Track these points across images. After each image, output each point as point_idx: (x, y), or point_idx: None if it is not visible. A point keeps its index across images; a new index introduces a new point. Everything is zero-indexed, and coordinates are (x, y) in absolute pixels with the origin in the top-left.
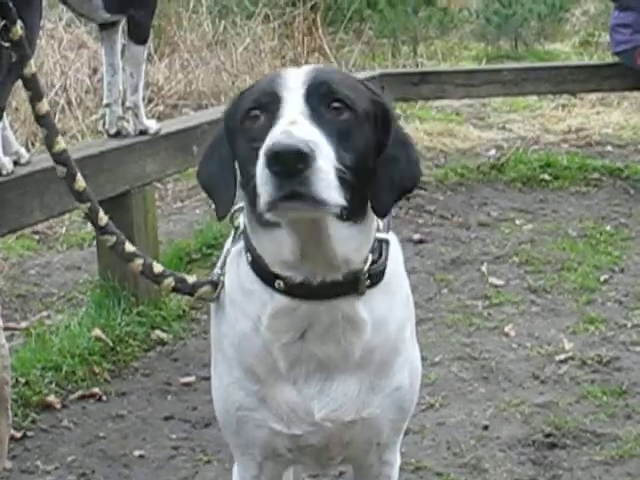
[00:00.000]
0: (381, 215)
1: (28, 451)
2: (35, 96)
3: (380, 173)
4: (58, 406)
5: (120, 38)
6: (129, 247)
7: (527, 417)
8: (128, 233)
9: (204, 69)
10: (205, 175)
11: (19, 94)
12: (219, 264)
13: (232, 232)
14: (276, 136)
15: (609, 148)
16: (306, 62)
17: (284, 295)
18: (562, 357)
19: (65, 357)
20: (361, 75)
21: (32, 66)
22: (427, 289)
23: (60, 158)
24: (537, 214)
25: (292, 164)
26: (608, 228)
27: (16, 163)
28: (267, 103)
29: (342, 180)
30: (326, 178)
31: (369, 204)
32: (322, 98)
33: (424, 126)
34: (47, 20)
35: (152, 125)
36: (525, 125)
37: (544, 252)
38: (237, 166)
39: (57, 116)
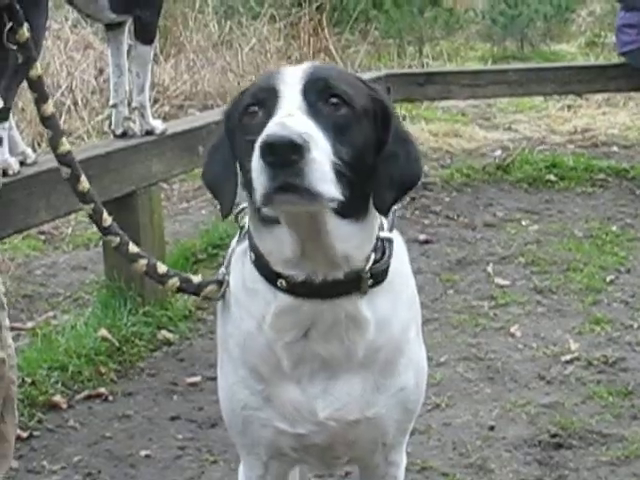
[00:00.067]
0: (383, 212)
1: (34, 451)
2: (41, 98)
3: (380, 170)
4: (64, 406)
5: (126, 38)
6: (133, 248)
7: (533, 417)
8: (134, 233)
9: (210, 69)
10: (208, 175)
11: (25, 95)
12: (225, 264)
13: (238, 232)
14: (271, 128)
15: (615, 149)
16: None
17: (287, 294)
18: (568, 358)
19: (71, 357)
20: (367, 75)
21: (38, 68)
22: (433, 289)
23: (64, 159)
24: (543, 215)
25: (285, 155)
26: (614, 229)
27: (22, 163)
28: (265, 99)
29: (339, 174)
30: (321, 170)
31: (371, 202)
32: (320, 93)
33: (430, 126)
34: (53, 21)
35: (158, 125)
36: (531, 126)
37: (550, 253)
38: (238, 164)
39: (63, 117)
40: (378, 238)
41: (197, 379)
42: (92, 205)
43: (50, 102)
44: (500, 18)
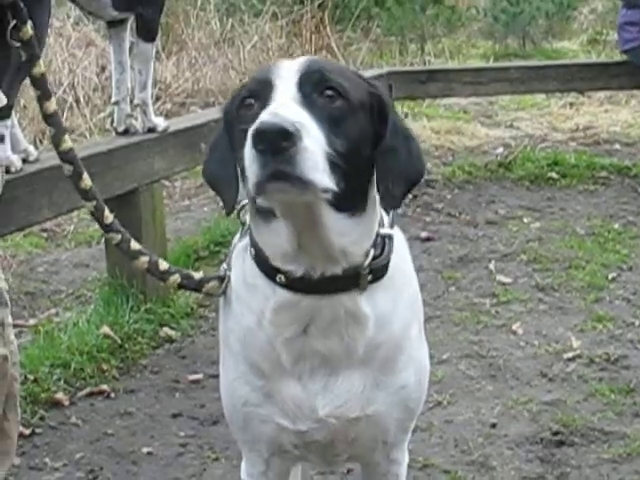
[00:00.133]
0: (395, 206)
1: (37, 448)
2: (43, 95)
3: (381, 165)
4: (66, 403)
5: (128, 36)
6: (134, 245)
7: (535, 415)
8: (136, 230)
9: (212, 67)
10: (209, 172)
11: (27, 92)
12: (226, 260)
13: (240, 229)
14: (263, 116)
15: (617, 146)
16: None
17: (286, 289)
18: (570, 355)
19: (73, 354)
20: (369, 73)
21: (41, 66)
22: (435, 287)
23: (67, 157)
24: (545, 212)
25: (276, 142)
26: (616, 226)
27: (25, 161)
28: (260, 91)
29: (333, 165)
30: (312, 159)
31: (369, 197)
32: (315, 86)
33: (431, 124)
34: (55, 18)
35: (160, 123)
36: (533, 123)
37: (552, 250)
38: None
39: (65, 114)
40: (378, 234)
41: (199, 376)
42: (94, 202)
43: (53, 100)
44: (502, 16)
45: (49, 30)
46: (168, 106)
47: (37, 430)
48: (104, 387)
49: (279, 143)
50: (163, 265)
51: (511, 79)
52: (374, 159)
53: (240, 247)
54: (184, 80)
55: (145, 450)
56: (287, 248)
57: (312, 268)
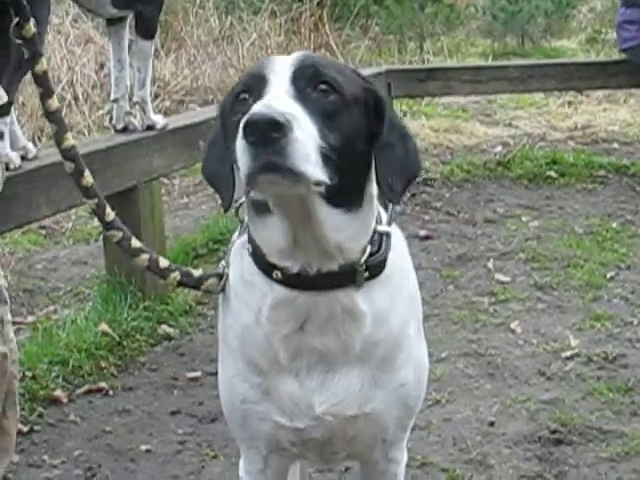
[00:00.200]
0: (394, 203)
1: (35, 445)
2: (46, 93)
3: (378, 161)
4: (65, 400)
5: (127, 33)
6: (135, 243)
7: (533, 413)
8: (135, 228)
9: (211, 64)
10: (207, 169)
11: (25, 89)
12: (225, 257)
13: (239, 225)
14: (254, 108)
15: (615, 145)
16: None
17: (282, 286)
18: (568, 354)
19: (72, 352)
20: (367, 71)
21: (44, 63)
22: (433, 285)
23: (69, 154)
24: (543, 211)
25: (267, 133)
26: (614, 225)
27: (24, 158)
28: (254, 85)
29: (326, 158)
30: (303, 150)
31: (365, 193)
32: (308, 80)
33: (430, 122)
34: (54, 15)
35: (159, 120)
36: (531, 122)
37: (550, 249)
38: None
39: (64, 111)
40: (375, 231)
41: (197, 374)
42: (95, 200)
43: (55, 97)
44: (501, 14)
45: (48, 27)
46: (167, 104)
47: (36, 427)
48: (102, 384)
49: (269, 134)
50: (163, 262)
51: (510, 78)
52: (370, 155)
53: (238, 244)
54: (183, 78)
55: (143, 447)
56: (282, 243)
57: (308, 264)
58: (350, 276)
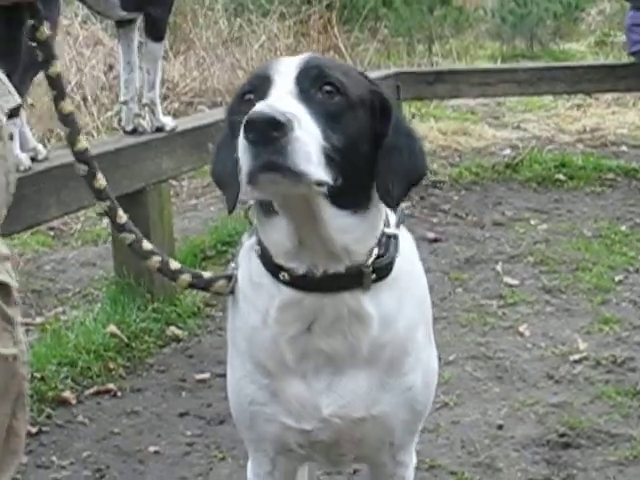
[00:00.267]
0: (391, 205)
1: (43, 446)
2: (59, 95)
3: (382, 163)
4: (73, 402)
5: (137, 35)
6: (147, 245)
7: (541, 417)
8: (144, 229)
9: (219, 66)
10: (215, 171)
11: (35, 91)
12: (235, 258)
13: (248, 227)
14: (256, 107)
15: (624, 148)
16: None
17: (289, 287)
18: (576, 357)
19: (80, 353)
20: (376, 74)
21: (57, 66)
22: (441, 288)
23: (82, 157)
24: (552, 214)
25: (267, 132)
26: (623, 228)
27: (33, 159)
28: (259, 86)
29: (329, 159)
30: (304, 150)
31: (373, 196)
32: (313, 81)
33: (439, 125)
34: (63, 17)
35: (168, 122)
36: (540, 125)
37: (559, 252)
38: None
39: None
40: (383, 234)
41: (206, 376)
42: (108, 202)
43: (68, 100)
44: (509, 17)
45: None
46: (175, 105)
47: (44, 428)
48: (111, 386)
49: (270, 133)
50: (174, 265)
51: (519, 80)
52: (376, 157)
53: (247, 246)
54: (192, 79)
55: (152, 449)
56: (288, 245)
57: (314, 266)
58: (357, 278)
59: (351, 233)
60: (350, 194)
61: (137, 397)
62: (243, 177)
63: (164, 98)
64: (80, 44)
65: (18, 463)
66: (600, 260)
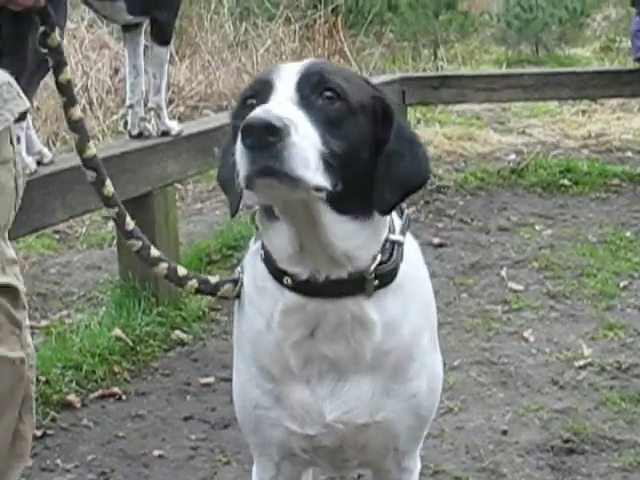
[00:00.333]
0: (384, 212)
1: (48, 449)
2: (69, 102)
3: (382, 169)
4: (78, 405)
5: (143, 39)
6: (154, 252)
7: (546, 422)
8: (149, 233)
9: (225, 70)
10: (220, 174)
11: (40, 94)
12: (241, 263)
13: (255, 231)
14: (254, 112)
15: (629, 154)
16: None
17: (292, 292)
18: (581, 363)
19: (85, 356)
20: (381, 78)
21: (68, 72)
22: (446, 293)
23: (90, 163)
24: (557, 219)
25: (263, 137)
26: (628, 234)
27: (39, 163)
28: (261, 91)
29: (328, 165)
30: (301, 155)
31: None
32: (314, 87)
33: (444, 130)
34: (69, 20)
35: (174, 126)
36: (545, 130)
37: (564, 257)
38: None
39: None
40: (387, 240)
41: (210, 380)
42: (116, 209)
43: (78, 106)
44: (515, 22)
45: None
46: (181, 109)
47: (49, 432)
48: (115, 389)
49: (266, 138)
50: (181, 271)
51: (524, 86)
52: (376, 163)
53: (252, 250)
54: (197, 83)
55: (156, 453)
56: (289, 250)
57: (317, 271)
58: (359, 284)
59: (352, 239)
60: (351, 200)
61: (142, 401)
62: (241, 181)
63: (170, 102)
64: (86, 47)
65: (24, 466)
66: (605, 266)
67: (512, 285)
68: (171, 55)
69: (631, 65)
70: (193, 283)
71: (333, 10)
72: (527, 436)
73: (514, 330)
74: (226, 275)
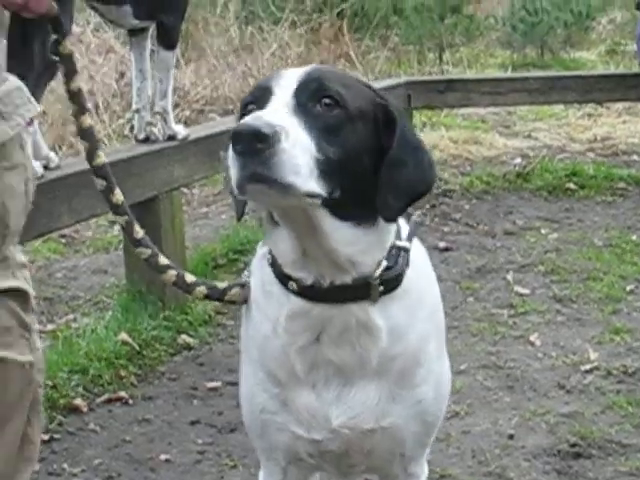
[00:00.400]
0: (388, 219)
1: (55, 454)
2: (80, 110)
3: (385, 176)
4: (85, 409)
5: (149, 44)
6: (163, 260)
7: (552, 427)
8: (156, 237)
9: (231, 74)
10: (226, 179)
11: (46, 98)
12: (249, 267)
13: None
14: (245, 119)
15: (635, 157)
16: None
17: (298, 297)
18: (587, 367)
19: (92, 360)
20: (387, 82)
21: (79, 81)
22: (453, 297)
23: (100, 171)
24: (563, 223)
25: (251, 143)
26: (634, 238)
27: (46, 167)
28: (260, 97)
29: (325, 172)
30: (291, 162)
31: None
32: (312, 94)
33: (450, 134)
34: (75, 24)
35: (180, 130)
36: (551, 134)
37: (570, 261)
38: None
39: None
40: (394, 246)
41: (217, 384)
42: (125, 217)
43: (88, 114)
44: (520, 25)
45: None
46: (187, 113)
47: (55, 436)
48: (122, 394)
49: (254, 144)
50: (190, 278)
51: (530, 89)
52: (379, 169)
53: (260, 254)
54: (203, 87)
55: (163, 457)
56: (293, 255)
57: (321, 276)
58: (364, 290)
59: (355, 245)
60: (352, 206)
61: (148, 405)
62: (234, 187)
63: (175, 106)
64: (92, 51)
65: (32, 470)
66: (611, 270)
67: (518, 289)
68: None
69: (636, 68)
70: (201, 289)
71: (339, 14)
72: (534, 440)
73: (520, 334)
74: (232, 279)
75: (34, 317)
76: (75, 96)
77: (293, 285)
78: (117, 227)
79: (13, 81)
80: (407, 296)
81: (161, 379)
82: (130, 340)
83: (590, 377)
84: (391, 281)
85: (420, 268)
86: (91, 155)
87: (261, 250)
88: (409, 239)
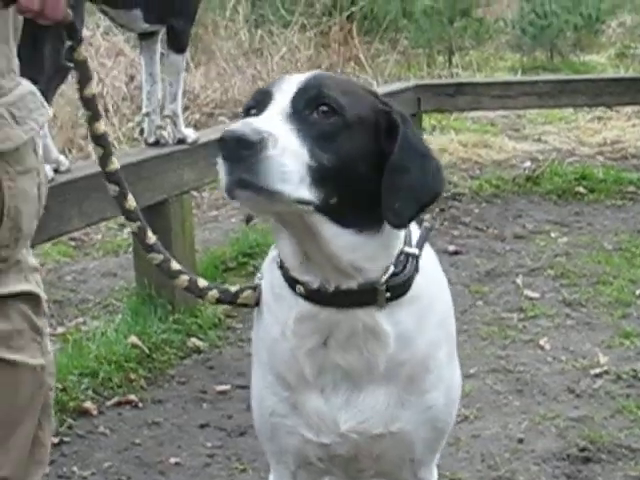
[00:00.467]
0: (395, 226)
1: (65, 457)
2: (94, 116)
3: (387, 182)
4: (94, 412)
5: (159, 47)
6: (175, 265)
7: (562, 431)
8: (165, 241)
9: (240, 77)
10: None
11: (57, 101)
12: (261, 269)
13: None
14: (230, 126)
15: None
16: (342, 71)
17: (306, 300)
18: (597, 371)
19: (101, 363)
20: (396, 86)
21: (93, 87)
22: (462, 301)
23: (113, 177)
24: (572, 227)
25: (235, 150)
26: None
27: (56, 171)
28: (261, 101)
29: (318, 179)
30: (279, 169)
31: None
32: (309, 101)
33: (459, 137)
34: (85, 28)
35: (190, 134)
36: (561, 137)
37: (579, 265)
38: None
39: None
40: (402, 252)
41: (226, 387)
42: (138, 223)
43: (102, 121)
44: (530, 28)
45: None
46: (196, 116)
47: (65, 439)
48: (132, 397)
49: (238, 151)
50: (202, 283)
51: (540, 93)
52: (380, 177)
53: (271, 257)
54: (212, 90)
55: (173, 460)
56: (295, 258)
57: (326, 281)
58: (371, 295)
59: (358, 251)
60: (353, 213)
61: (158, 408)
62: (223, 192)
63: (185, 109)
64: (102, 55)
65: (43, 473)
66: (621, 273)
67: (528, 293)
68: (186, 62)
69: None
70: (214, 293)
71: (348, 17)
72: (543, 444)
73: (530, 338)
74: (242, 283)
75: (45, 321)
76: (89, 102)
77: (300, 288)
78: (127, 230)
79: (26, 85)
80: (416, 302)
81: (171, 382)
82: (140, 343)
83: (600, 381)
84: (398, 287)
85: (430, 274)
86: (105, 161)
87: (272, 253)
88: (419, 245)
